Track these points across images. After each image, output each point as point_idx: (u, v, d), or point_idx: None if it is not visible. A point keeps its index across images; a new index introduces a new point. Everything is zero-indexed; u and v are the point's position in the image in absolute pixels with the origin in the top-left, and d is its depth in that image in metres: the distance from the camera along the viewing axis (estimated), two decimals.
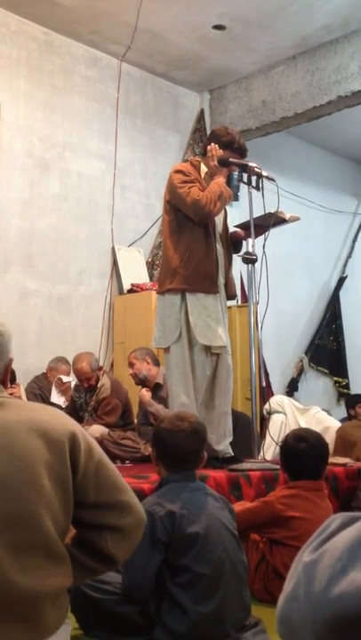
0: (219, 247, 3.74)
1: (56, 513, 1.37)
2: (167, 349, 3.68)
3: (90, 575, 1.57)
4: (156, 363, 4.64)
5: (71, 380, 5.21)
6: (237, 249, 3.93)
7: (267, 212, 3.71)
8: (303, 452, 2.82)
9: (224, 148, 3.67)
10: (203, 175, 3.70)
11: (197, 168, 3.73)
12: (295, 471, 2.85)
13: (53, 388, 5.24)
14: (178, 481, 2.25)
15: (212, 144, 3.69)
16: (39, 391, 5.18)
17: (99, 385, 4.76)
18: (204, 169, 3.73)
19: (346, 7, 5.64)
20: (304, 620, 0.68)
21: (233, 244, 3.89)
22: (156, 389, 4.57)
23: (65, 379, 5.23)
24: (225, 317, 3.77)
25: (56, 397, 5.21)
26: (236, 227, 3.96)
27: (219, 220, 3.78)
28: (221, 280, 3.72)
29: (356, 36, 6.00)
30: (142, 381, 4.59)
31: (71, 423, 1.47)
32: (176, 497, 2.18)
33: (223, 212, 3.85)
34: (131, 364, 4.63)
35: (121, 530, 1.47)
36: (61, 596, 1.42)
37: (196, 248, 3.60)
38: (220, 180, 3.60)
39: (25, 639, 1.31)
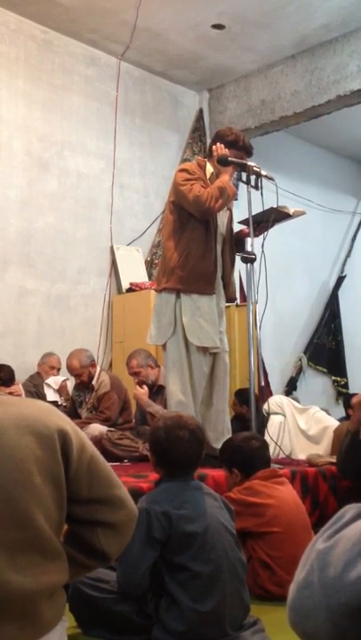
0: (219, 248, 3.74)
1: (49, 510, 1.36)
2: (164, 347, 3.68)
3: (83, 571, 1.57)
4: (157, 363, 4.64)
5: (62, 378, 5.22)
6: (241, 248, 3.92)
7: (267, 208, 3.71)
8: (256, 448, 3.01)
9: (229, 147, 3.69)
10: (208, 175, 3.71)
11: (203, 168, 3.73)
12: (250, 468, 2.95)
13: (47, 388, 5.25)
14: (177, 481, 2.25)
15: (217, 143, 3.70)
16: (34, 389, 5.19)
17: (97, 382, 4.76)
18: (210, 169, 3.73)
19: (345, 6, 5.64)
20: (318, 605, 0.67)
21: (237, 242, 3.89)
22: (160, 391, 4.55)
23: (53, 380, 5.24)
24: (223, 318, 3.77)
25: (52, 396, 5.22)
26: (238, 222, 3.96)
27: (221, 221, 3.78)
28: (220, 281, 3.72)
29: (355, 35, 5.99)
30: (151, 387, 4.57)
31: (61, 418, 1.45)
32: (175, 496, 2.18)
33: (228, 213, 3.85)
34: (136, 373, 4.56)
35: (113, 525, 1.47)
36: (57, 593, 1.41)
37: (194, 249, 3.60)
38: (225, 177, 3.61)
39: (22, 637, 1.31)
